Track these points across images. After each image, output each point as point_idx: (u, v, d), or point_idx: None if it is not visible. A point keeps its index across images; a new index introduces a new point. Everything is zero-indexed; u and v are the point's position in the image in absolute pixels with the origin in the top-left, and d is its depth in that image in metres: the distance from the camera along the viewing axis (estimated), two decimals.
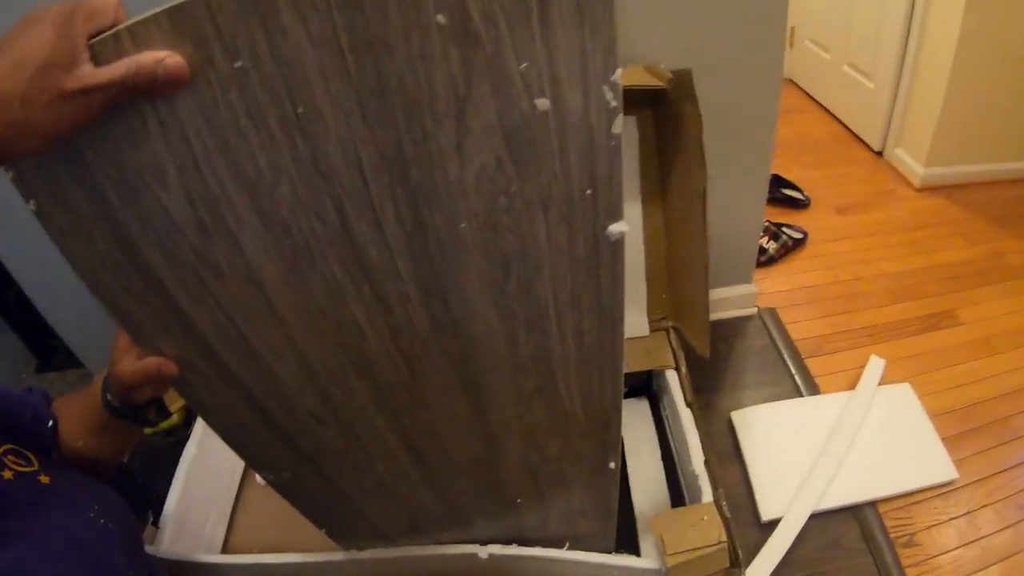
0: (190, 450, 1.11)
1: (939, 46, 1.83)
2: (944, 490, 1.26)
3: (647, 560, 0.88)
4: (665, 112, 1.04)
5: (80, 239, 0.47)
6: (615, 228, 0.51)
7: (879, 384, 1.40)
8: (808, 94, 2.65)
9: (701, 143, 0.94)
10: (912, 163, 2.01)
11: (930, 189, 1.98)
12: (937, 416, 1.30)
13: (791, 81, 2.80)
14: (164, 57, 0.38)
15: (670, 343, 1.21)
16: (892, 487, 1.18)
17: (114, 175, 0.43)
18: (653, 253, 1.22)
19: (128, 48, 0.38)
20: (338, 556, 0.91)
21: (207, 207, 0.45)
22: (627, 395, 1.24)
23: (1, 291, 2.18)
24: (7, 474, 0.57)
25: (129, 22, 0.38)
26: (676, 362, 1.18)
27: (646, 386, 1.27)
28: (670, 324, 1.23)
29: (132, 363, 0.59)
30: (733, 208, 1.35)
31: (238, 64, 0.39)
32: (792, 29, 2.71)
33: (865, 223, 1.90)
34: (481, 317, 0.54)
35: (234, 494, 1.18)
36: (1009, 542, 1.21)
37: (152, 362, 0.56)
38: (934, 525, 1.23)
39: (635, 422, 1.23)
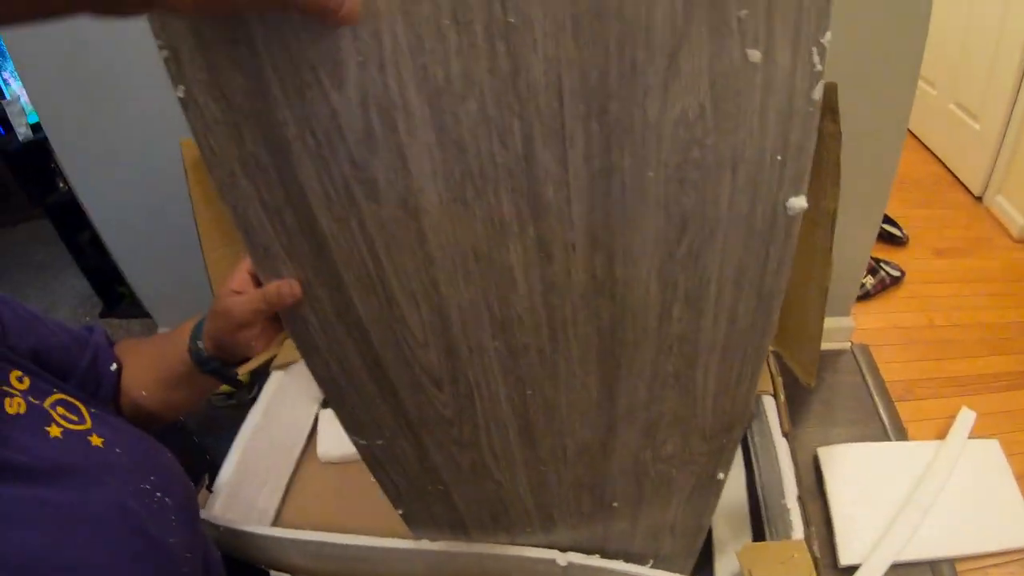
0: (255, 417, 1.09)
1: None
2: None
3: None
4: None
5: (226, 136, 0.44)
6: (795, 202, 0.47)
7: (968, 437, 1.34)
8: (910, 130, 2.56)
9: (838, 161, 0.90)
10: (1013, 212, 1.92)
11: None
12: (1022, 478, 1.23)
13: None
14: None
15: (769, 368, 1.16)
16: (972, 546, 1.11)
17: (285, 66, 0.40)
18: None
19: None
20: (406, 544, 0.87)
21: (380, 114, 0.41)
22: None
23: (75, 233, 2.23)
24: (54, 431, 0.52)
25: None
26: (775, 388, 1.13)
27: None
28: (771, 348, 1.18)
29: (247, 296, 0.56)
30: (844, 236, 1.29)
31: None
32: None
33: (962, 268, 1.81)
34: (642, 282, 0.50)
35: (292, 469, 1.16)
36: None
37: (273, 286, 0.52)
38: None
39: None
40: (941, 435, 1.31)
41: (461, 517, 0.81)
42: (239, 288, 0.58)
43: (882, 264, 1.72)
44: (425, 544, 0.86)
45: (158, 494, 0.57)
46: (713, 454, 0.69)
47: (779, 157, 0.44)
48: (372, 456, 0.70)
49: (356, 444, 0.68)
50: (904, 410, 1.36)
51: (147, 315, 1.45)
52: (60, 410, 0.55)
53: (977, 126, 2.08)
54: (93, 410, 0.58)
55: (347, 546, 0.88)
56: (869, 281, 1.67)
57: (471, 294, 0.50)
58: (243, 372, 0.66)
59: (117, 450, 0.56)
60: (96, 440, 0.56)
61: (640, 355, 0.55)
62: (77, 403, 0.57)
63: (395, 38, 0.39)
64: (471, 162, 0.43)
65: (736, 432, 0.66)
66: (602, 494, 0.75)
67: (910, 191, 2.16)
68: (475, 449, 0.67)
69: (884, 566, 1.04)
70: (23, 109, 2.68)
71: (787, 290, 1.04)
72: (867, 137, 1.16)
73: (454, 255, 0.48)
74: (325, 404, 1.24)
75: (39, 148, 2.53)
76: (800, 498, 0.96)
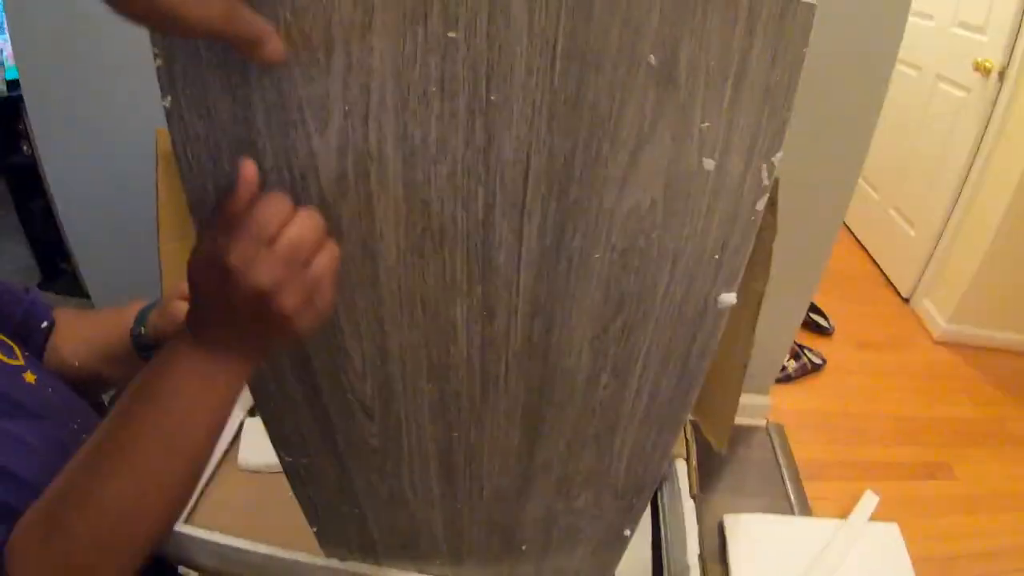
0: None
1: (988, 211, 1.87)
2: None
3: None
4: None
5: (205, 152, 0.45)
6: (725, 298, 0.51)
7: (869, 519, 1.40)
8: (849, 228, 2.71)
9: (771, 250, 0.95)
10: (936, 315, 2.05)
11: (948, 344, 2.01)
12: (918, 561, 1.29)
13: None
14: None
15: (684, 434, 1.20)
16: None
17: (273, 100, 0.42)
18: None
19: None
20: (314, 559, 0.87)
21: (356, 161, 0.43)
22: None
23: (28, 199, 2.15)
24: None
25: None
26: (688, 453, 1.17)
27: None
28: (689, 416, 1.22)
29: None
30: (771, 320, 1.36)
31: (452, 34, 0.38)
32: None
33: (881, 362, 1.92)
34: (575, 350, 0.52)
35: (209, 472, 1.14)
36: None
37: None
38: None
39: None
40: (844, 515, 1.36)
41: (373, 542, 0.81)
42: (186, 295, 0.58)
43: (806, 351, 1.81)
44: (334, 563, 0.86)
45: (83, 436, 0.58)
46: (622, 511, 0.71)
47: (717, 256, 0.48)
48: (295, 473, 0.70)
49: (281, 459, 0.68)
50: (811, 488, 1.42)
51: (86, 295, 1.40)
52: None
53: (912, 232, 2.21)
54: (26, 353, 0.58)
55: (253, 553, 0.88)
56: (792, 365, 1.76)
57: (414, 338, 0.52)
58: None
59: (49, 390, 0.57)
60: (30, 377, 0.57)
61: (564, 415, 0.58)
62: (11, 343, 0.57)
63: (383, 95, 0.41)
64: (433, 220, 0.45)
65: (646, 494, 0.69)
66: (512, 537, 0.77)
67: (843, 286, 2.28)
68: (396, 480, 0.68)
69: None
70: (2, 63, 2.58)
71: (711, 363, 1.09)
72: (803, 232, 1.22)
73: (403, 300, 0.50)
74: (252, 412, 1.23)
75: (10, 106, 2.43)
76: (701, 556, 0.99)
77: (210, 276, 0.40)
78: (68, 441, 0.56)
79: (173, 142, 0.46)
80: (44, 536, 0.44)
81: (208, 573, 0.91)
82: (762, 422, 1.55)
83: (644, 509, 0.72)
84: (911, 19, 2.07)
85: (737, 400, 1.10)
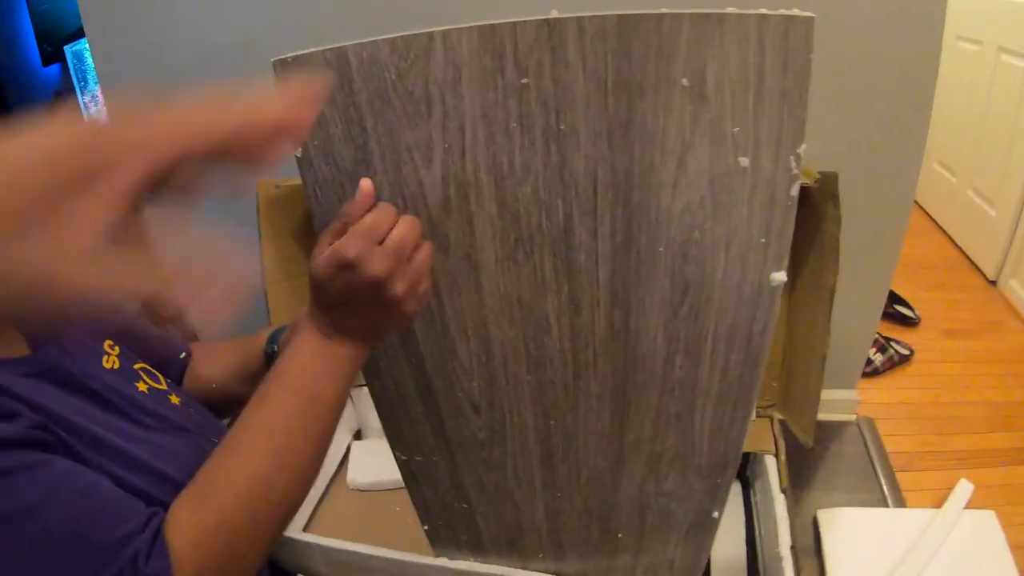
0: None
1: None
2: None
3: None
4: (807, 208, 1.13)
5: (331, 191, 0.59)
6: (776, 276, 0.60)
7: (964, 508, 1.42)
8: (930, 215, 2.71)
9: (837, 242, 1.03)
10: (1023, 293, 2.03)
11: None
12: (1017, 548, 1.30)
13: (915, 201, 2.87)
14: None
15: (772, 430, 1.26)
16: None
17: (386, 144, 0.55)
18: (774, 340, 1.30)
19: (438, 47, 0.50)
20: (425, 559, 0.98)
21: (457, 188, 0.56)
22: None
23: None
24: (142, 387, 0.68)
25: (443, 28, 0.51)
26: (776, 448, 1.23)
27: (741, 470, 1.32)
28: (775, 412, 1.29)
29: None
30: (849, 314, 1.41)
31: (524, 80, 0.51)
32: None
33: (971, 349, 1.92)
34: (651, 334, 0.63)
35: (322, 491, 1.28)
36: None
37: None
38: None
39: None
40: (938, 505, 1.39)
41: (481, 538, 0.92)
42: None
43: (892, 343, 1.83)
44: (444, 561, 0.97)
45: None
46: (709, 492, 0.80)
47: (763, 240, 0.58)
48: (409, 471, 0.82)
49: (397, 459, 0.81)
50: (904, 480, 1.45)
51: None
52: (143, 374, 0.69)
53: (993, 212, 2.21)
54: (168, 379, 0.72)
55: (370, 556, 0.99)
56: (878, 358, 1.79)
57: (513, 334, 0.64)
58: None
59: (191, 409, 0.71)
60: (175, 399, 0.71)
61: (647, 395, 0.68)
62: (156, 372, 0.71)
63: (474, 133, 0.53)
64: (523, 230, 0.57)
65: (729, 473, 0.78)
66: (608, 524, 0.86)
67: (926, 274, 2.28)
68: (501, 472, 0.79)
69: None
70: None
71: (791, 358, 1.17)
72: (873, 221, 1.29)
73: (502, 301, 0.62)
74: (358, 436, 1.37)
75: None
76: (793, 548, 1.05)
77: (333, 270, 0.53)
78: (208, 452, 0.69)
79: (304, 184, 0.60)
80: (197, 506, 0.55)
81: None
82: (852, 417, 1.59)
83: (729, 489, 0.81)
84: None
85: (819, 393, 1.16)
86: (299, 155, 0.58)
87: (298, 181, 0.63)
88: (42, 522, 0.47)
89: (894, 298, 2.04)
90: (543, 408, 0.70)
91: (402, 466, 0.82)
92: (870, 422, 1.59)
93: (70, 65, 3.26)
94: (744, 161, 0.54)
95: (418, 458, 0.80)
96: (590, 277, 0.59)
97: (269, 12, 1.27)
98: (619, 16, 0.49)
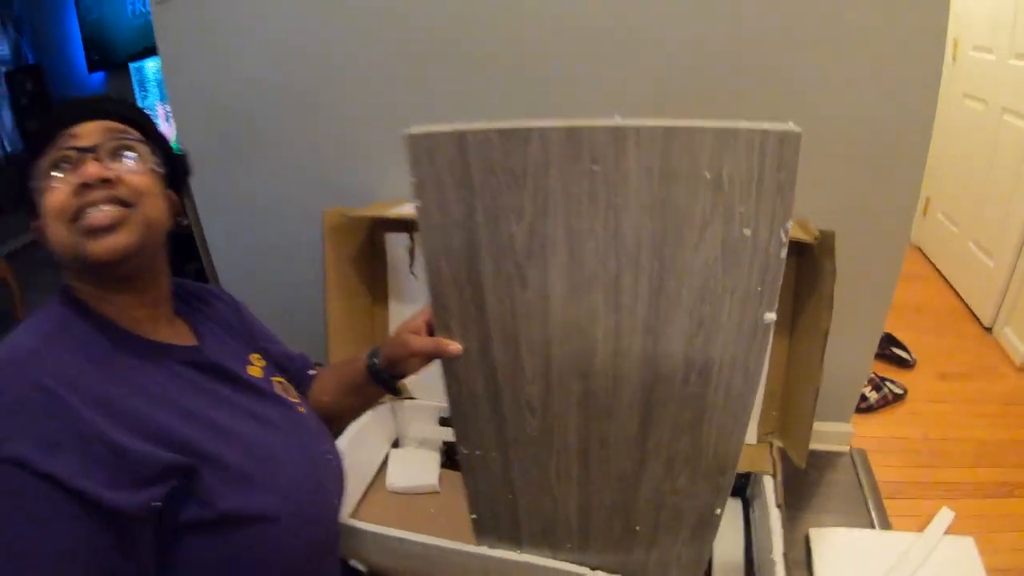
0: (340, 445, 1.47)
1: None
2: None
3: None
4: (808, 261, 1.39)
5: (440, 234, 0.85)
6: (768, 316, 0.85)
7: (945, 533, 1.65)
8: (932, 263, 2.99)
9: (832, 294, 1.28)
10: (1017, 343, 2.29)
11: None
12: (993, 572, 1.53)
13: (919, 249, 3.15)
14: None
15: (771, 454, 1.51)
16: None
17: (488, 203, 0.81)
18: (772, 377, 1.55)
19: (536, 138, 0.76)
20: (468, 547, 1.22)
21: (538, 241, 0.82)
22: None
23: (184, 263, 2.69)
24: (255, 370, 0.92)
25: (540, 124, 0.76)
26: (774, 470, 1.47)
27: (742, 490, 1.56)
28: (774, 438, 1.54)
29: (423, 338, 0.95)
30: (845, 353, 1.67)
31: (595, 167, 0.76)
32: (927, 200, 3.07)
33: (963, 391, 2.17)
34: (673, 358, 0.88)
35: (362, 492, 1.52)
36: None
37: (444, 341, 0.92)
38: None
39: (727, 516, 1.52)
40: (922, 530, 1.63)
41: (519, 530, 1.16)
42: (415, 330, 0.97)
43: (887, 382, 2.09)
44: (484, 550, 1.21)
45: (330, 457, 0.95)
46: (713, 491, 1.04)
47: (759, 288, 0.83)
48: (468, 464, 1.07)
49: (460, 453, 1.05)
50: (891, 507, 1.70)
51: None
52: (279, 386, 0.94)
53: (991, 263, 2.48)
54: (299, 394, 0.97)
55: (416, 543, 1.23)
56: (873, 396, 2.04)
57: (569, 351, 0.89)
58: (401, 384, 1.06)
59: (313, 420, 0.95)
60: (301, 409, 0.95)
61: (667, 407, 0.93)
62: (290, 386, 0.96)
63: (556, 202, 0.79)
64: (586, 274, 0.83)
65: (729, 475, 1.02)
66: (629, 518, 1.10)
67: (926, 319, 2.55)
68: (545, 468, 1.03)
69: None
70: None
71: (790, 391, 1.43)
72: (868, 271, 1.55)
73: (563, 327, 0.87)
74: (395, 444, 1.62)
75: None
76: (785, 555, 1.28)
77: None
78: (319, 455, 0.93)
79: (420, 226, 0.85)
80: None
81: (372, 564, 1.27)
82: (846, 448, 1.84)
83: (729, 489, 1.05)
84: (973, 54, 2.43)
85: (812, 421, 1.41)
86: (419, 205, 0.83)
87: (359, 212, 0.89)
88: None
89: (892, 341, 2.29)
90: (586, 413, 0.95)
91: (464, 459, 1.07)
92: (862, 453, 1.84)
93: (133, 80, 3.63)
94: (747, 232, 0.79)
95: (478, 452, 1.04)
96: (631, 312, 0.85)
97: (341, 26, 1.52)
98: (665, 128, 0.75)
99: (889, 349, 2.27)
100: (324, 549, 0.93)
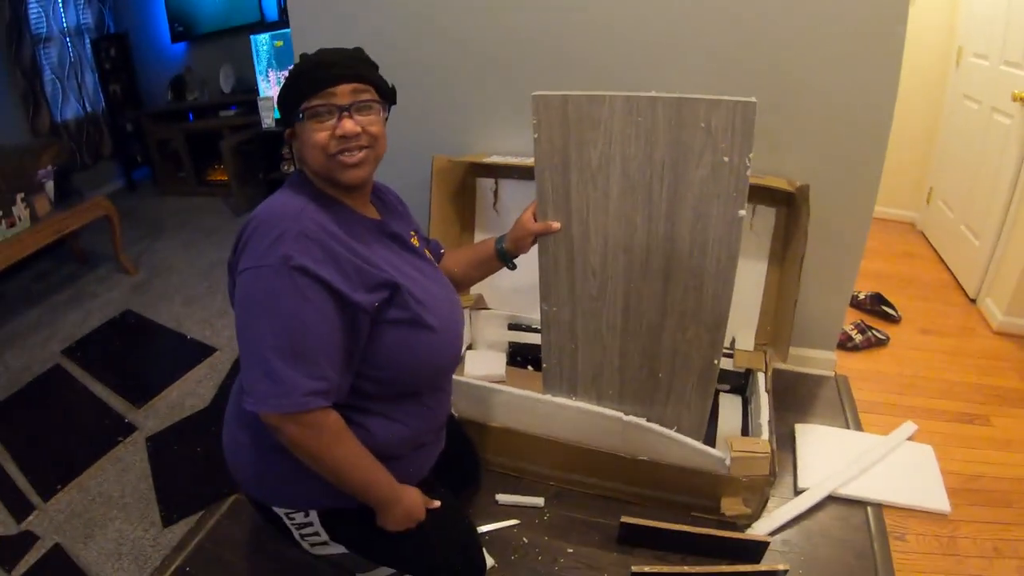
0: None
1: None
2: (937, 516, 2.06)
3: (721, 453, 1.90)
4: (793, 208, 2.17)
5: (548, 155, 1.67)
6: (740, 212, 1.62)
7: (908, 440, 2.33)
8: (932, 246, 3.75)
9: (806, 229, 2.04)
10: (994, 310, 3.02)
11: (1006, 335, 2.88)
12: (947, 474, 2.17)
13: (922, 233, 3.93)
14: None
15: (764, 358, 2.27)
16: (898, 499, 2.08)
17: (576, 137, 1.61)
18: (766, 299, 2.32)
19: (607, 101, 1.56)
20: (537, 395, 1.98)
21: (605, 160, 1.61)
22: (728, 391, 2.33)
23: None
24: (415, 241, 1.63)
25: (610, 93, 1.56)
26: (766, 368, 2.23)
27: (742, 389, 2.32)
28: (767, 348, 2.30)
29: (536, 222, 1.74)
30: (826, 290, 2.44)
31: (639, 118, 1.55)
32: (930, 189, 3.86)
33: (941, 344, 2.85)
34: (683, 239, 1.65)
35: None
36: (979, 564, 1.95)
37: (550, 222, 1.71)
38: (923, 535, 2.01)
39: (729, 404, 2.29)
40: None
41: (576, 378, 1.94)
42: (527, 220, 1.75)
43: (872, 329, 2.82)
44: (549, 397, 1.97)
45: (457, 301, 1.71)
46: (711, 344, 1.81)
47: (734, 194, 1.61)
48: (546, 319, 1.86)
49: (542, 310, 1.84)
50: (865, 419, 2.40)
51: None
52: (428, 252, 1.70)
53: (977, 242, 3.21)
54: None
55: (501, 391, 2.00)
56: (859, 338, 2.77)
57: (620, 233, 1.67)
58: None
59: (445, 280, 1.71)
60: (441, 274, 1.71)
61: (680, 273, 1.70)
62: (431, 257, 1.73)
63: (617, 137, 1.58)
64: (631, 182, 1.61)
65: (722, 330, 1.78)
66: (654, 365, 1.87)
67: (917, 289, 3.27)
68: (599, 320, 1.81)
69: (826, 491, 2.06)
70: (272, 107, 4.49)
71: (779, 308, 2.25)
72: (843, 218, 2.30)
73: (616, 215, 1.66)
74: (469, 347, 2.43)
75: (276, 137, 4.43)
76: (770, 421, 2.03)
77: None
78: (455, 300, 1.66)
79: (535, 151, 1.65)
80: (316, 435, 1.29)
81: (461, 410, 2.04)
82: (831, 373, 2.59)
83: (722, 344, 1.80)
84: (972, 59, 3.30)
85: (791, 326, 2.16)
86: (536, 137, 1.63)
87: (460, 158, 1.71)
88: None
89: (881, 300, 3.01)
90: (628, 276, 1.73)
91: (544, 316, 1.85)
92: (845, 379, 2.60)
93: (252, 49, 4.69)
94: (726, 159, 1.57)
95: (555, 308, 1.83)
96: (657, 207, 1.63)
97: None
98: (678, 98, 1.53)
99: (878, 306, 2.99)
100: (454, 360, 1.66)
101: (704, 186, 1.60)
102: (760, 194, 2.22)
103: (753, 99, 1.51)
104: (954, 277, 3.41)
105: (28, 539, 2.16)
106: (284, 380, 1.23)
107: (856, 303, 3.10)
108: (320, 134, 1.32)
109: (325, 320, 1.28)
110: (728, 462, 1.84)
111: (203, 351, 3.14)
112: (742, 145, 1.55)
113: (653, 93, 1.55)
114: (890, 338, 2.86)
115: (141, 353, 3.26)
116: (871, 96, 2.14)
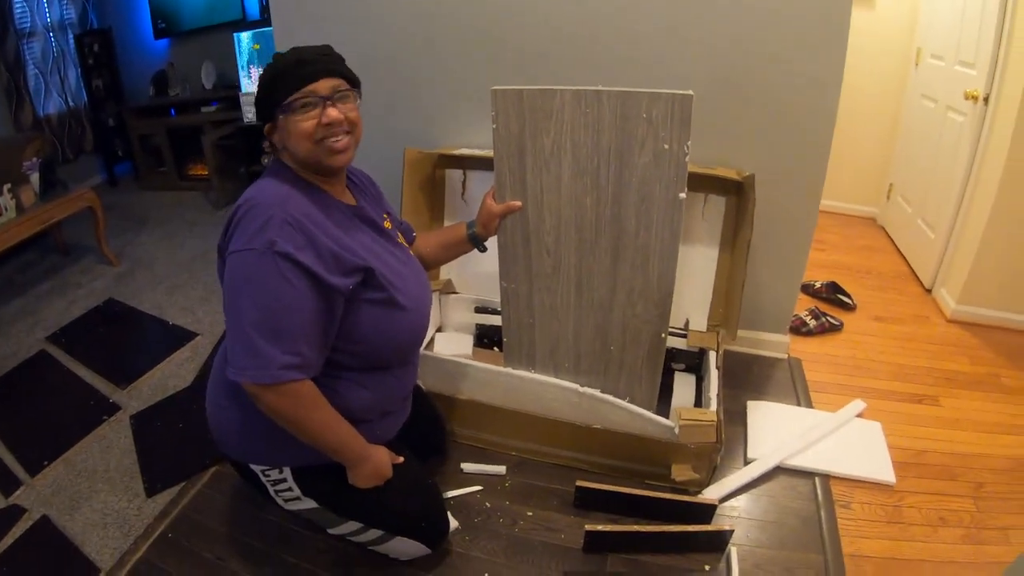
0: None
1: (979, 211, 3.06)
2: (883, 487, 2.21)
3: (670, 422, 2.08)
4: (741, 197, 2.36)
5: (505, 143, 1.86)
6: (681, 195, 1.82)
7: (857, 417, 2.51)
8: (892, 240, 3.97)
9: (752, 216, 2.22)
10: (948, 299, 3.21)
11: (958, 322, 3.06)
12: (895, 449, 2.32)
13: (883, 228, 4.15)
14: None
15: (717, 338, 2.46)
16: (845, 469, 2.23)
17: (531, 126, 1.80)
18: (719, 280, 2.51)
19: (558, 94, 1.75)
20: (498, 367, 2.16)
21: (557, 147, 1.80)
22: (683, 371, 2.51)
23: None
24: (387, 224, 1.82)
25: (560, 87, 1.75)
26: (717, 347, 2.42)
27: (697, 368, 2.51)
28: (719, 328, 2.49)
29: (499, 204, 1.93)
30: (778, 276, 2.63)
31: (587, 109, 1.75)
32: (891, 186, 4.07)
33: (894, 331, 3.01)
34: (630, 220, 1.84)
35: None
36: (923, 531, 2.08)
37: (512, 203, 1.90)
38: (868, 504, 2.15)
39: (683, 382, 2.47)
40: None
41: (535, 351, 2.12)
42: (490, 200, 1.93)
43: (827, 315, 3.02)
44: (509, 370, 2.15)
45: (426, 282, 1.90)
46: (658, 317, 2.00)
47: (675, 178, 1.80)
48: (506, 296, 2.04)
49: (501, 287, 2.03)
50: (816, 398, 2.57)
51: None
52: (400, 235, 1.88)
53: (932, 235, 3.42)
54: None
55: (464, 363, 2.17)
56: (813, 323, 2.95)
57: (571, 213, 1.86)
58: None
59: (415, 262, 1.89)
60: (412, 253, 1.90)
61: (627, 251, 1.89)
62: (403, 241, 1.91)
63: (568, 127, 1.77)
64: (580, 166, 1.81)
65: (668, 304, 1.97)
66: (606, 338, 2.06)
67: (875, 279, 3.47)
68: (554, 295, 2.00)
69: (774, 461, 2.23)
70: (252, 102, 4.56)
71: (729, 290, 2.46)
72: (792, 207, 2.48)
73: (568, 197, 1.85)
74: (439, 329, 2.61)
75: (257, 131, 4.45)
76: (718, 395, 2.21)
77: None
78: (424, 281, 1.82)
79: (494, 139, 1.84)
80: (294, 403, 1.45)
81: (428, 385, 2.23)
82: (784, 356, 2.78)
83: (669, 316, 2.00)
84: (930, 60, 3.52)
85: (739, 306, 2.35)
86: (495, 127, 1.81)
87: (431, 150, 1.94)
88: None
89: (837, 288, 3.20)
90: (580, 254, 1.91)
91: (503, 293, 2.04)
92: (798, 361, 2.78)
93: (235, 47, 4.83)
94: (666, 146, 1.76)
95: (513, 285, 2.01)
96: (604, 190, 1.82)
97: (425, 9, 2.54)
98: (622, 91, 1.72)
99: (834, 295, 3.17)
100: (422, 335, 1.84)
101: (647, 171, 1.80)
102: (711, 183, 2.39)
103: (690, 92, 1.70)
104: (911, 269, 3.62)
105: (16, 512, 2.24)
106: (262, 354, 1.39)
107: (812, 291, 3.29)
108: (307, 123, 1.48)
109: (303, 301, 1.43)
110: (677, 430, 2.00)
111: (185, 336, 3.28)
112: (681, 134, 1.74)
113: (600, 87, 1.74)
114: (844, 324, 3.04)
115: (125, 338, 3.39)
116: (818, 89, 2.31)
